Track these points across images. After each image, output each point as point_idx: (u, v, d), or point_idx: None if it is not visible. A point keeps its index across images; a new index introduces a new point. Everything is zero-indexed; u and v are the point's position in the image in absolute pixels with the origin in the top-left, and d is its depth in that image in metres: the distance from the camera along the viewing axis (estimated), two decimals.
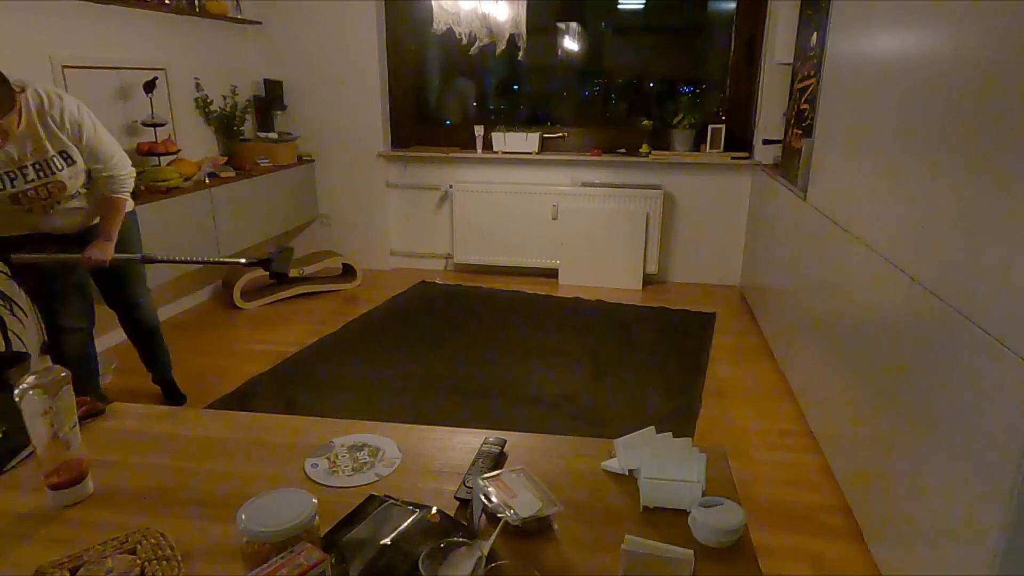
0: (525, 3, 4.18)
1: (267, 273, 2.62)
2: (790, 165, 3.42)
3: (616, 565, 0.97)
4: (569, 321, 3.91)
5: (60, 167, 1.99)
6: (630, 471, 1.20)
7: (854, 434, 2.19)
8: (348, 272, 4.59)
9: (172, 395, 2.95)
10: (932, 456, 1.64)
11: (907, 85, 1.98)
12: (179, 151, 3.69)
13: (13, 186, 1.91)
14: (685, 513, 1.06)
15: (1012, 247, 1.36)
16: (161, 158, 3.57)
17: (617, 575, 0.96)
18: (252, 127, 4.56)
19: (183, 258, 2.61)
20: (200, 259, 2.70)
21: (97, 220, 2.29)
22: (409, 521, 1.00)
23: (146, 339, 2.82)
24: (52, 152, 1.98)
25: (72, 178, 2.03)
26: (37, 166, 1.97)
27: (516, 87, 4.99)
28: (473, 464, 1.22)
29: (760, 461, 2.50)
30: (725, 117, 4.54)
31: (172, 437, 1.35)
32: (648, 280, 4.63)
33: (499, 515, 1.03)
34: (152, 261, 2.50)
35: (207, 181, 3.69)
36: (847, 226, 2.43)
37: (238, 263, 2.66)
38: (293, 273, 4.32)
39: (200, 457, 1.28)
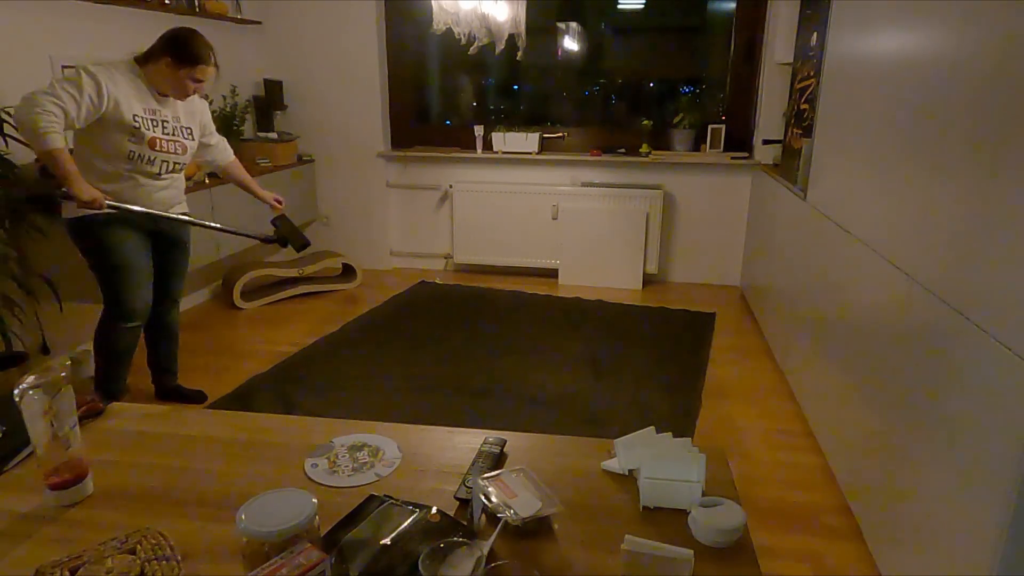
0: (525, 3, 4.17)
1: (284, 248, 2.93)
2: (790, 165, 3.42)
3: (616, 565, 0.97)
4: (569, 321, 3.91)
5: (188, 136, 2.60)
6: (630, 471, 1.20)
7: (854, 434, 2.19)
8: (348, 272, 4.59)
9: (188, 397, 2.93)
10: (932, 456, 1.64)
11: (907, 85, 1.98)
12: None
13: (153, 131, 2.44)
14: (685, 513, 1.06)
15: (1012, 247, 1.36)
16: None
17: (617, 575, 0.96)
18: (252, 127, 4.56)
19: (213, 224, 2.87)
20: (228, 228, 2.92)
21: (176, 208, 2.70)
22: (409, 521, 1.00)
23: (167, 339, 2.87)
24: (185, 124, 2.59)
25: (190, 148, 2.62)
26: (175, 129, 2.54)
27: (516, 87, 4.99)
28: (473, 464, 1.23)
29: (760, 461, 2.50)
30: (725, 117, 4.54)
31: (172, 437, 1.35)
32: (648, 280, 4.63)
33: (499, 515, 1.03)
34: (193, 223, 2.76)
35: (207, 181, 3.68)
36: (847, 226, 2.43)
37: (258, 237, 2.93)
38: (293, 273, 4.34)
39: (200, 457, 1.28)
